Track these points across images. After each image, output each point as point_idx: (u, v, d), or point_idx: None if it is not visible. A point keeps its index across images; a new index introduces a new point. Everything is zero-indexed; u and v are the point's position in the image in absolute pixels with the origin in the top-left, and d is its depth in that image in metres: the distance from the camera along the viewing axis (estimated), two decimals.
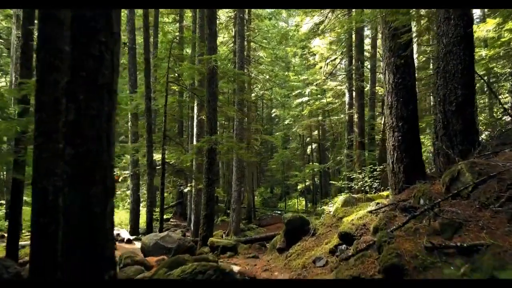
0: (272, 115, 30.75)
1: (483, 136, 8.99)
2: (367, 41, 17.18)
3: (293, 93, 23.33)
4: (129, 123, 14.99)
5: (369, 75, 15.13)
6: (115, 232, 12.80)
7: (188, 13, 18.93)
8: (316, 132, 24.20)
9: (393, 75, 5.59)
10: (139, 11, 15.54)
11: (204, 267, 2.79)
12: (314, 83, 18.78)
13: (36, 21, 4.70)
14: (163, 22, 19.40)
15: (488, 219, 2.83)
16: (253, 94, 22.08)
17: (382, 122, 12.77)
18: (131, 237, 12.04)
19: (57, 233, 2.54)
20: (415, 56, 8.26)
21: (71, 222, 2.37)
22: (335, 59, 16.96)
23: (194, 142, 12.92)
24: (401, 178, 5.35)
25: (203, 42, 11.28)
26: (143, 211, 14.13)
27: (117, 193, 23.39)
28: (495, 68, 11.55)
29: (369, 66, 15.35)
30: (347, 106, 15.00)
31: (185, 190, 15.38)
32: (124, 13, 16.03)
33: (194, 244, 8.37)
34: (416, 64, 9.27)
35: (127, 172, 15.78)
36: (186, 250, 7.59)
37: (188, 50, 18.50)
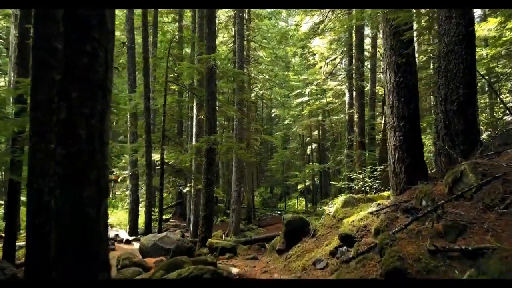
0: (272, 115, 30.67)
1: (483, 136, 8.92)
2: (367, 40, 17.10)
3: (293, 93, 23.26)
4: (128, 123, 14.90)
5: (369, 74, 15.07)
6: (114, 233, 12.75)
7: (188, 12, 18.85)
8: (316, 132, 24.12)
9: (394, 74, 5.52)
10: (138, 10, 15.47)
11: (201, 271, 2.71)
12: (314, 83, 18.70)
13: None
14: (162, 22, 19.33)
15: (493, 221, 2.75)
16: (253, 94, 22.01)
17: (383, 122, 12.69)
18: (130, 238, 11.96)
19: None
20: (415, 55, 8.19)
21: (63, 224, 2.29)
22: (335, 58, 16.89)
23: (193, 142, 12.84)
24: (402, 179, 5.28)
25: (202, 41, 11.20)
26: (142, 211, 14.05)
27: (116, 193, 23.34)
28: (496, 68, 11.48)
29: (369, 66, 15.28)
30: (347, 106, 14.93)
31: (185, 191, 15.31)
32: (123, 12, 15.97)
33: (193, 245, 8.30)
34: (416, 64, 9.21)
35: (126, 172, 15.71)
36: (185, 251, 7.52)
37: (188, 50, 18.44)
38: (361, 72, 13.90)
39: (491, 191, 3.13)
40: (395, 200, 4.83)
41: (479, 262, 2.32)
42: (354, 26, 12.69)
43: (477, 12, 15.39)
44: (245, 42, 17.20)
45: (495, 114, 13.45)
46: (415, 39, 6.81)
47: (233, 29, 17.58)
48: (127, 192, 15.40)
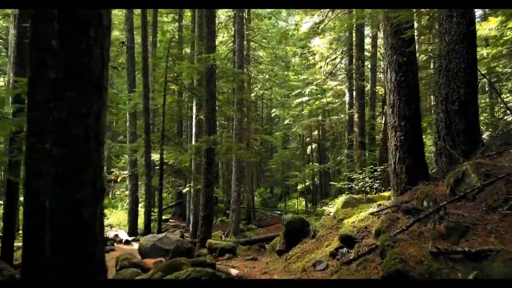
0: (272, 115, 30.62)
1: (484, 136, 8.87)
2: (368, 40, 17.06)
3: (293, 93, 23.20)
4: (127, 123, 14.86)
5: (370, 74, 15.01)
6: (113, 233, 12.71)
7: (188, 12, 18.79)
8: (316, 132, 24.06)
9: (395, 73, 5.47)
10: (137, 10, 15.41)
11: (199, 274, 2.66)
12: (314, 83, 18.65)
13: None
14: (162, 21, 19.27)
15: (497, 223, 2.70)
16: (252, 94, 21.96)
17: (383, 122, 12.65)
18: (129, 238, 11.93)
19: None
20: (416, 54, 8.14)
21: (58, 225, 2.25)
22: (335, 58, 16.84)
23: (193, 142, 12.80)
24: (403, 179, 5.23)
25: (202, 41, 11.14)
26: (141, 211, 14.01)
27: (116, 193, 23.29)
28: (496, 68, 11.43)
29: (369, 66, 15.22)
30: (347, 106, 14.88)
31: (184, 191, 15.25)
32: (122, 12, 15.92)
33: (193, 245, 8.25)
34: (418, 63, 9.16)
35: (125, 172, 15.66)
36: (184, 251, 7.47)
37: (188, 50, 18.38)
38: (361, 72, 13.85)
39: (494, 192, 3.08)
40: (396, 201, 4.78)
41: (482, 265, 2.27)
42: (355, 26, 12.63)
43: (478, 12, 15.34)
44: (245, 42, 17.15)
45: (495, 114, 13.41)
46: (415, 38, 6.76)
47: (233, 28, 17.53)
48: (127, 192, 15.36)
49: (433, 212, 3.20)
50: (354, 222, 4.70)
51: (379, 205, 4.97)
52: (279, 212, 22.77)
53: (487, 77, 11.09)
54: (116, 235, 12.29)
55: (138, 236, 12.14)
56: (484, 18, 12.84)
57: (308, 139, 24.97)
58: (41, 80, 4.12)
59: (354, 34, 14.17)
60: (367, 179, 9.37)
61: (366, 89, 14.57)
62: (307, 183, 24.38)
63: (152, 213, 13.70)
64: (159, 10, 17.23)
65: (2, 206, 12.85)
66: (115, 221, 15.37)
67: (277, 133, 27.84)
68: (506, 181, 3.08)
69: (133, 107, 13.73)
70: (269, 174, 30.28)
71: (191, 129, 14.42)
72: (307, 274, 4.23)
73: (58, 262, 2.24)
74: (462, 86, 5.20)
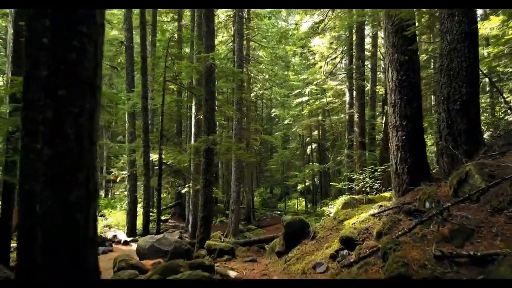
0: (272, 115, 30.54)
1: (485, 136, 8.80)
2: (368, 39, 16.98)
3: (293, 93, 23.13)
4: (126, 123, 14.78)
5: (370, 74, 14.93)
6: (112, 234, 12.63)
7: (187, 12, 18.72)
8: (316, 132, 23.98)
9: (396, 72, 5.40)
10: (136, 9, 15.33)
11: (196, 277, 2.59)
12: (314, 83, 18.57)
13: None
14: (161, 21, 19.19)
15: (502, 225, 2.62)
16: (252, 94, 21.87)
17: (383, 122, 12.57)
18: (128, 239, 11.84)
19: None
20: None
21: (49, 228, 2.18)
22: (335, 58, 16.76)
23: (192, 142, 12.72)
24: (405, 180, 5.15)
25: (201, 40, 11.07)
26: (140, 212, 13.92)
27: (115, 193, 23.20)
28: (497, 67, 11.36)
29: (369, 65, 15.15)
30: (347, 106, 14.80)
31: (183, 191, 15.18)
32: (121, 11, 15.83)
33: (191, 246, 8.18)
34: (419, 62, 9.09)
35: (125, 172, 15.57)
36: (183, 253, 7.40)
37: (187, 50, 18.31)
38: (361, 72, 13.77)
39: (498, 193, 3.00)
40: (398, 202, 4.70)
41: (488, 269, 2.20)
42: (355, 25, 12.56)
43: (479, 11, 15.26)
44: (245, 42, 17.07)
45: (496, 114, 13.33)
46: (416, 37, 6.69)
47: (232, 28, 17.45)
48: (126, 193, 15.27)
49: (436, 213, 3.12)
50: (354, 223, 4.63)
51: (380, 206, 4.90)
52: (279, 213, 22.70)
53: (489, 76, 11.02)
54: (115, 236, 12.21)
55: (137, 237, 12.05)
56: (485, 17, 12.77)
57: (308, 139, 24.89)
58: (36, 79, 4.04)
59: (354, 34, 14.09)
60: (367, 179, 9.30)
61: (366, 88, 14.50)
62: (307, 183, 24.30)
63: (151, 214, 13.61)
64: (159, 9, 17.15)
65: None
66: (114, 221, 15.28)
67: (277, 133, 27.76)
68: (511, 182, 3.00)
69: (132, 106, 13.65)
70: (269, 174, 30.20)
71: (190, 129, 14.34)
72: (307, 277, 4.15)
73: (48, 266, 2.16)
74: (464, 86, 5.13)
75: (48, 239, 2.16)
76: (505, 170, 3.37)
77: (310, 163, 23.82)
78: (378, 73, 16.01)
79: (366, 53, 15.34)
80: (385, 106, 12.11)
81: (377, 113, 16.82)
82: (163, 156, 10.78)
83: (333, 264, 4.08)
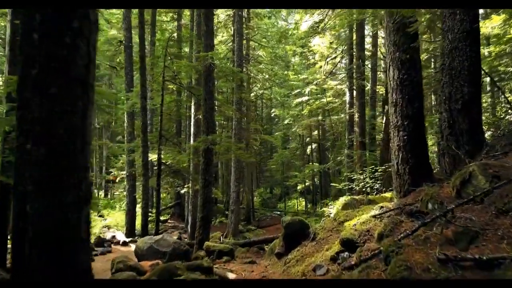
0: (272, 115, 30.46)
1: (486, 135, 8.72)
2: (368, 39, 16.91)
3: (293, 93, 23.06)
4: (125, 123, 14.71)
5: (370, 73, 14.86)
6: (110, 234, 12.55)
7: (186, 11, 18.64)
8: (316, 132, 23.90)
9: (398, 71, 5.32)
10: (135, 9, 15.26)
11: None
12: (314, 82, 18.49)
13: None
14: (161, 20, 19.12)
15: (508, 228, 2.54)
16: (252, 94, 21.79)
17: (384, 122, 12.50)
18: (127, 239, 11.77)
19: None
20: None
21: (39, 232, 2.10)
22: (335, 57, 16.69)
23: (191, 142, 12.65)
24: (406, 180, 5.07)
25: (200, 39, 10.99)
26: (139, 212, 13.84)
27: (115, 193, 23.11)
28: (498, 67, 11.29)
29: (370, 65, 15.07)
30: (347, 106, 14.73)
31: (182, 191, 15.10)
32: (120, 10, 15.75)
33: (190, 247, 8.10)
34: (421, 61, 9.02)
35: (124, 172, 15.49)
36: (182, 254, 7.33)
37: (186, 49, 18.23)
38: (361, 71, 13.69)
39: (503, 194, 2.93)
40: (399, 203, 4.63)
41: (494, 274, 2.12)
42: (355, 25, 12.48)
43: (480, 10, 15.20)
44: (244, 41, 16.99)
45: (496, 114, 13.26)
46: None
47: (232, 28, 17.37)
48: (125, 193, 15.19)
49: (439, 215, 3.04)
50: (355, 224, 4.56)
51: (381, 207, 4.82)
52: (278, 213, 22.63)
53: (491, 75, 10.94)
54: (114, 236, 12.13)
55: (136, 237, 11.98)
56: (486, 16, 12.69)
57: (308, 139, 24.81)
58: (31, 77, 3.97)
59: (354, 33, 14.02)
60: (367, 179, 9.23)
61: (366, 88, 14.42)
62: (307, 184, 24.22)
63: (150, 214, 13.53)
64: (158, 9, 17.08)
65: None
66: (113, 222, 15.20)
67: (277, 133, 27.68)
68: None
69: (131, 106, 13.57)
70: (269, 174, 30.12)
71: (190, 129, 14.27)
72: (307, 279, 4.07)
73: (40, 267, 2.09)
74: (466, 85, 5.06)
75: (39, 239, 2.09)
76: (509, 171, 3.29)
77: (310, 163, 23.74)
78: (379, 72, 15.93)
79: (366, 52, 15.27)
80: (386, 106, 12.03)
81: (378, 113, 16.75)
82: (162, 156, 10.71)
83: (334, 266, 4.00)
